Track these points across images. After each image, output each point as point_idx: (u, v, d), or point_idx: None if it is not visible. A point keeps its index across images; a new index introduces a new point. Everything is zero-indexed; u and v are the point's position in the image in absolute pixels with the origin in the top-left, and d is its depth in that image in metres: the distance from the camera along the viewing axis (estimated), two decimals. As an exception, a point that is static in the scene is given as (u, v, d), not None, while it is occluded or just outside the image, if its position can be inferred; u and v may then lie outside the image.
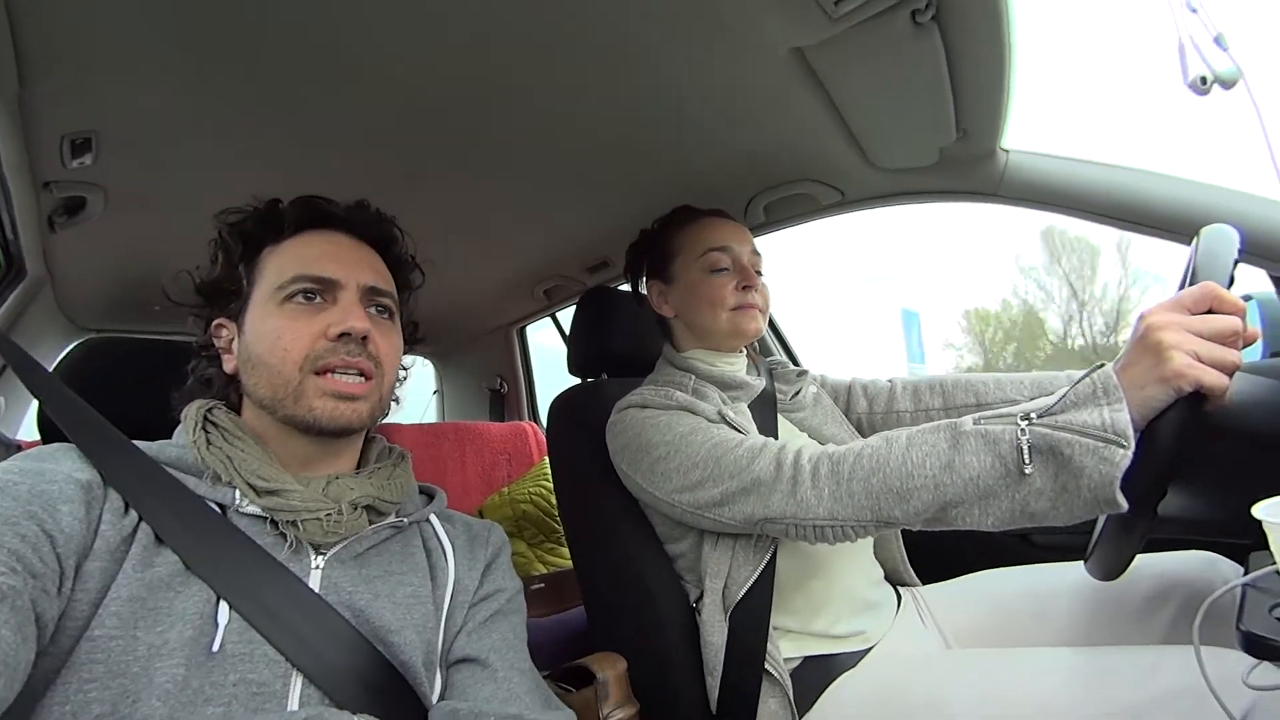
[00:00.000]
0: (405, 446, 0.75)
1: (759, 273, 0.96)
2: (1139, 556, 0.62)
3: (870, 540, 0.96)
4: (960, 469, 0.63)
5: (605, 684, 0.72)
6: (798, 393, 1.02)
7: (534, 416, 2.10)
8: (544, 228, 1.35)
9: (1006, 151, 0.99)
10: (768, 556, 0.81)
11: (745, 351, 1.00)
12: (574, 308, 1.14)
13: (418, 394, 2.28)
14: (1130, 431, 0.55)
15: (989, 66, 0.82)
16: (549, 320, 1.93)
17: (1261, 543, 0.43)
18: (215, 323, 0.67)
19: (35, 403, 0.67)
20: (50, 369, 0.72)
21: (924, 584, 1.00)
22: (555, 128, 0.97)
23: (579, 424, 1.00)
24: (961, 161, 1.01)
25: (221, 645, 0.50)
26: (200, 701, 0.48)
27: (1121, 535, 0.60)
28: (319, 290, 0.63)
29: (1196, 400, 0.54)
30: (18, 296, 1.19)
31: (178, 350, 0.70)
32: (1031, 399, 0.88)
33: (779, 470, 0.73)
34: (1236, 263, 0.58)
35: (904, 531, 1.01)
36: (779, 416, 0.97)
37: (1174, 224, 0.88)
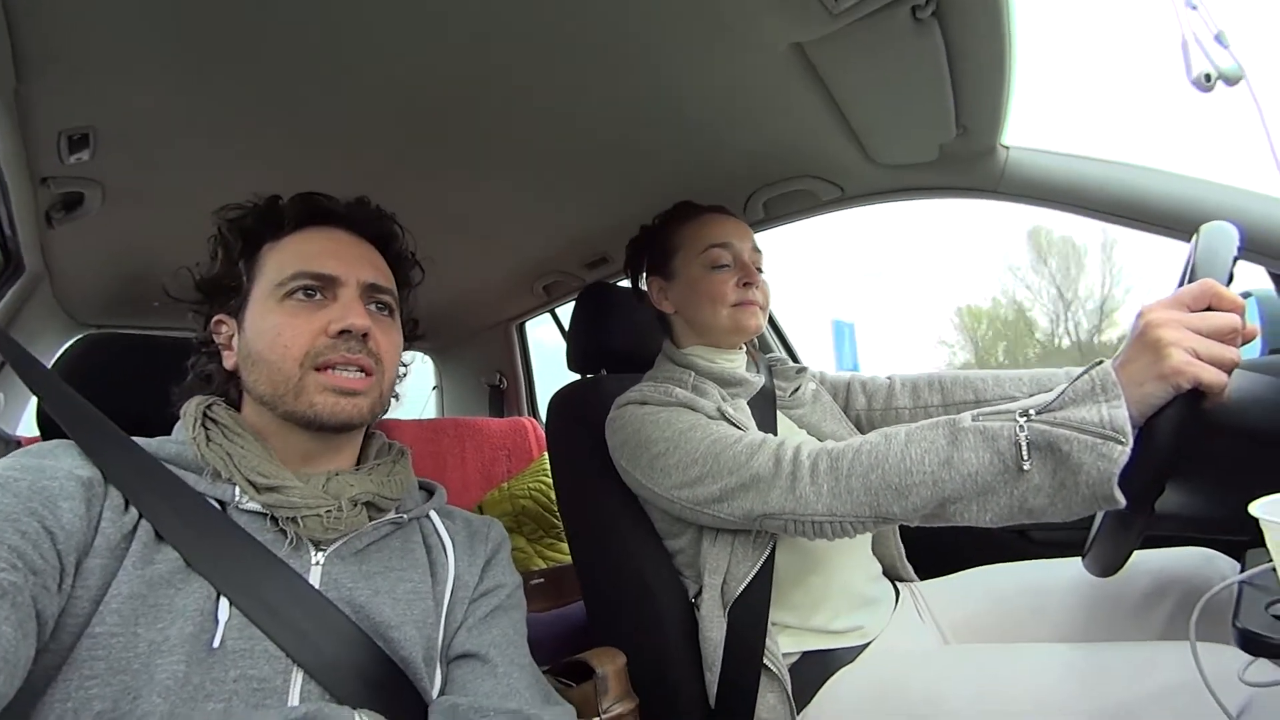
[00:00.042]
0: (405, 442, 0.75)
1: (759, 269, 0.96)
2: (1136, 553, 0.62)
3: (868, 536, 0.97)
4: (959, 465, 0.63)
5: (604, 679, 0.73)
6: (797, 389, 1.02)
7: (533, 412, 2.11)
8: (543, 224, 1.35)
9: (1006, 148, 0.99)
10: (766, 552, 0.81)
11: (745, 348, 1.00)
12: (573, 303, 1.14)
13: (417, 389, 2.28)
14: (1128, 428, 0.55)
15: (989, 63, 0.82)
16: (548, 316, 1.93)
17: (1258, 540, 0.43)
18: (215, 319, 0.67)
19: (35, 398, 0.67)
20: (50, 365, 0.72)
21: (922, 580, 1.00)
22: (555, 123, 0.97)
23: (578, 420, 1.00)
24: (961, 158, 1.01)
25: (222, 641, 0.51)
26: (201, 698, 0.48)
27: (1119, 532, 0.60)
28: (319, 287, 0.63)
29: (1195, 397, 0.54)
30: (16, 292, 1.19)
31: (177, 346, 0.70)
32: (1031, 396, 0.89)
33: (778, 466, 0.73)
34: (1236, 260, 0.58)
35: (902, 527, 1.02)
36: (778, 413, 0.97)
37: (1174, 221, 0.88)
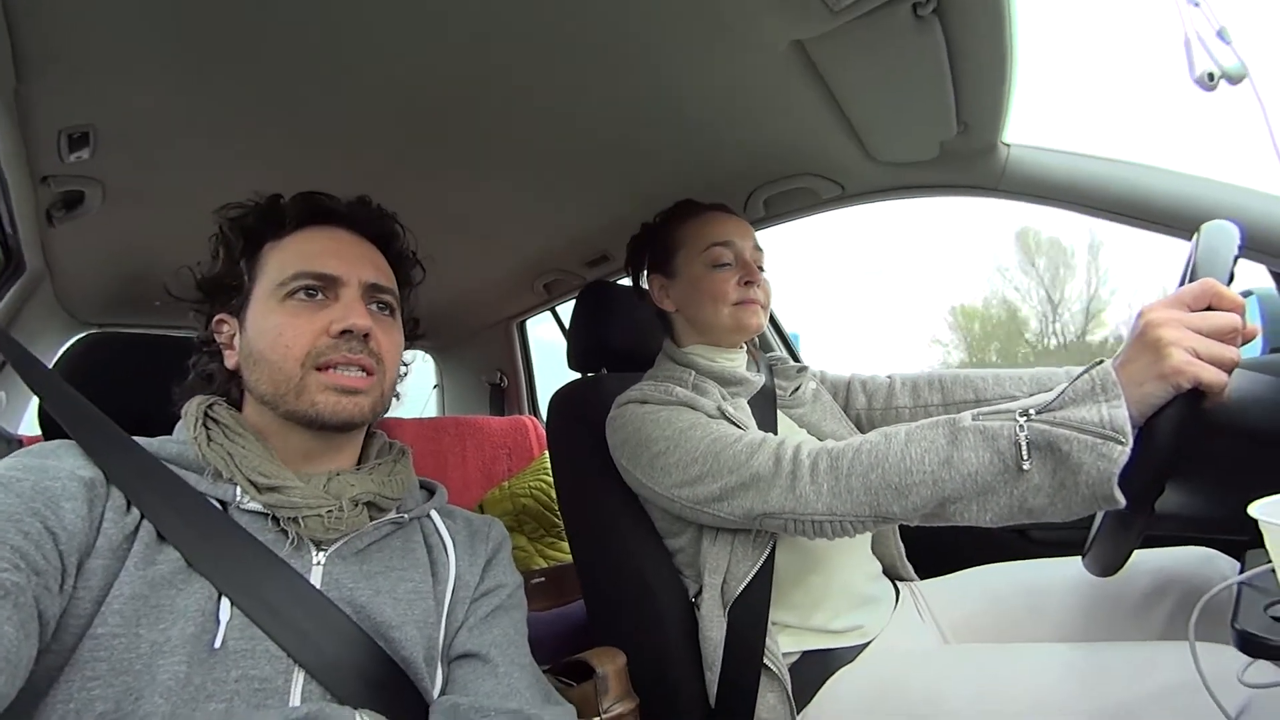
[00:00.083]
0: (406, 441, 0.75)
1: (760, 268, 0.96)
2: (1136, 552, 0.62)
3: (868, 536, 0.97)
4: (959, 465, 0.63)
5: (605, 679, 0.73)
6: (797, 388, 1.02)
7: (534, 411, 2.11)
8: (544, 222, 1.35)
9: (1008, 146, 0.99)
10: (766, 552, 0.81)
11: (745, 347, 1.00)
12: (573, 302, 1.14)
13: (418, 388, 2.28)
14: (1128, 428, 0.55)
15: (990, 60, 0.81)
16: (549, 314, 1.93)
17: (1258, 540, 0.43)
18: (216, 318, 0.67)
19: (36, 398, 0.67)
20: (51, 364, 0.72)
21: (922, 579, 1.00)
22: (555, 122, 0.97)
23: (579, 418, 1.00)
24: (962, 156, 1.01)
25: (223, 642, 0.51)
26: (202, 698, 0.48)
27: (1119, 532, 0.60)
28: (321, 287, 0.63)
29: (1195, 397, 0.54)
30: (17, 291, 1.19)
31: (179, 345, 0.70)
32: (1031, 395, 0.89)
33: (778, 465, 0.73)
34: (1236, 259, 0.58)
35: (902, 527, 1.02)
36: (778, 412, 0.97)
37: (1175, 219, 0.88)
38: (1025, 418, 0.60)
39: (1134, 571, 0.73)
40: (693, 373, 0.93)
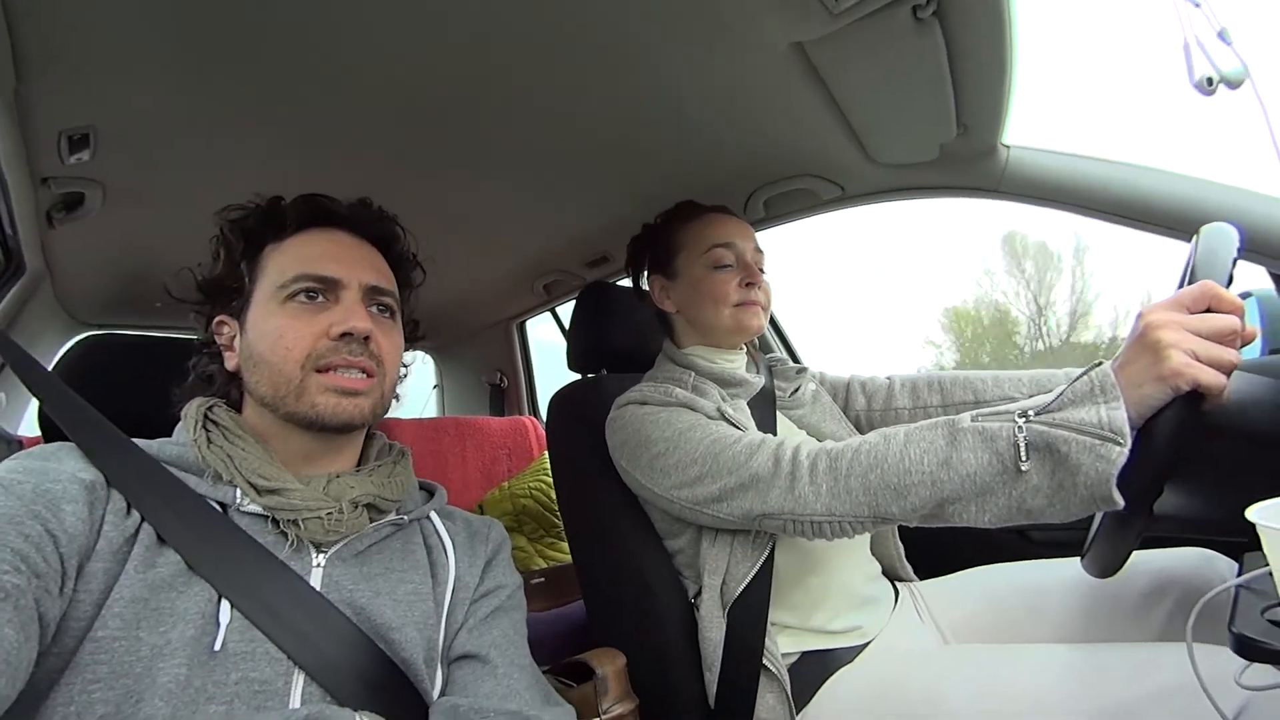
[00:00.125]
0: (406, 441, 0.75)
1: (761, 270, 0.96)
2: (1135, 553, 0.62)
3: (867, 536, 0.97)
4: (957, 466, 0.63)
5: (604, 679, 0.73)
6: (797, 390, 1.02)
7: (534, 411, 2.11)
8: (544, 223, 1.35)
9: (1007, 147, 0.99)
10: (766, 552, 0.81)
11: (745, 349, 1.00)
12: (573, 303, 1.14)
13: (418, 388, 2.28)
14: (1127, 429, 0.55)
15: (990, 62, 0.81)
16: (548, 314, 1.93)
17: (1256, 543, 0.43)
18: (217, 320, 0.67)
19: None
20: (52, 365, 0.72)
21: (921, 579, 1.00)
22: (555, 123, 0.97)
23: (579, 419, 1.00)
24: (962, 157, 1.01)
25: (223, 644, 0.51)
26: (203, 700, 0.49)
27: (1118, 533, 0.60)
28: (321, 289, 0.63)
29: (1194, 399, 0.54)
30: (17, 292, 1.19)
31: (178, 347, 0.70)
32: (1030, 396, 0.89)
33: (777, 466, 0.74)
34: (1235, 261, 0.58)
35: (901, 527, 1.02)
36: (778, 413, 0.97)
37: (1175, 221, 0.88)
38: (1024, 419, 0.60)
39: (1133, 572, 0.73)
40: (692, 374, 0.93)
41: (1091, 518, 0.65)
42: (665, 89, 0.89)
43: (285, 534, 0.58)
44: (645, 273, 1.05)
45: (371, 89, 0.85)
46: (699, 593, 0.85)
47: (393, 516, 0.65)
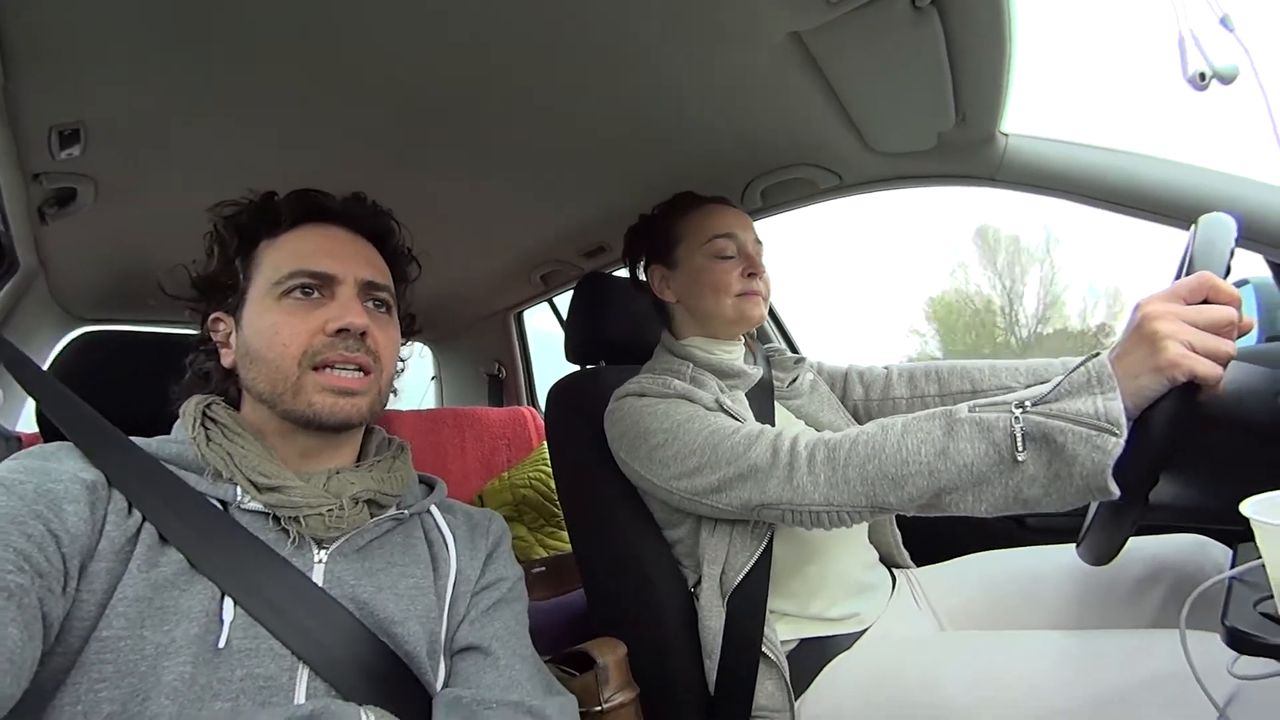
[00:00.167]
0: (405, 433, 0.75)
1: (760, 260, 0.96)
2: (1130, 540, 0.63)
3: (865, 524, 0.98)
4: (955, 456, 0.63)
5: (605, 669, 0.74)
6: (795, 380, 1.02)
7: (532, 401, 2.11)
8: (540, 214, 1.34)
9: (1006, 135, 0.98)
10: (764, 542, 0.82)
11: (743, 340, 1.00)
12: (571, 293, 1.14)
13: (416, 380, 2.28)
14: (1123, 420, 0.56)
15: (989, 50, 0.81)
16: (545, 304, 1.92)
17: (1250, 533, 0.44)
18: (212, 316, 0.67)
19: (33, 396, 0.67)
20: (49, 361, 0.72)
21: (918, 566, 1.01)
22: (551, 114, 0.96)
23: (577, 410, 1.00)
24: (960, 146, 1.00)
25: (227, 641, 0.51)
26: (208, 697, 0.49)
27: (1113, 522, 0.61)
28: (316, 285, 0.63)
29: (1190, 390, 0.55)
30: (10, 289, 1.18)
31: (175, 344, 0.70)
32: (1027, 385, 0.89)
33: (775, 457, 0.74)
34: (1233, 252, 0.58)
35: (898, 515, 1.03)
36: (776, 404, 0.98)
37: (1172, 208, 0.88)
38: (1021, 409, 0.61)
39: (1127, 559, 0.74)
40: (690, 365, 0.93)
41: (1087, 505, 0.66)
42: (662, 79, 0.89)
43: (286, 531, 0.58)
44: (642, 263, 1.04)
45: (364, 81, 0.84)
46: (698, 582, 0.86)
47: (393, 511, 0.65)
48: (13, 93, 0.76)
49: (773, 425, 0.90)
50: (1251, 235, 0.81)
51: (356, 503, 0.61)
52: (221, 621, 0.52)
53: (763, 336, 1.49)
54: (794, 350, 1.19)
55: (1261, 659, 0.43)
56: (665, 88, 0.90)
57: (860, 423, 1.00)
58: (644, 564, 0.89)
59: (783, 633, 0.84)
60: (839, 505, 0.70)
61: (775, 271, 0.99)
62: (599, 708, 0.72)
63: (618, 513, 0.93)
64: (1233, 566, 0.51)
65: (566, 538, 1.62)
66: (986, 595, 0.91)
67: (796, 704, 0.81)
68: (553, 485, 1.65)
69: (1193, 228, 0.61)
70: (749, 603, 0.82)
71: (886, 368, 1.06)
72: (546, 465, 1.74)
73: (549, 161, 1.09)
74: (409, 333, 0.75)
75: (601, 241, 1.45)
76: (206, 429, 0.61)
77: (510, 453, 1.87)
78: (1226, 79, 0.61)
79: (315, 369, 0.61)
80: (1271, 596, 0.43)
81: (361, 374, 0.63)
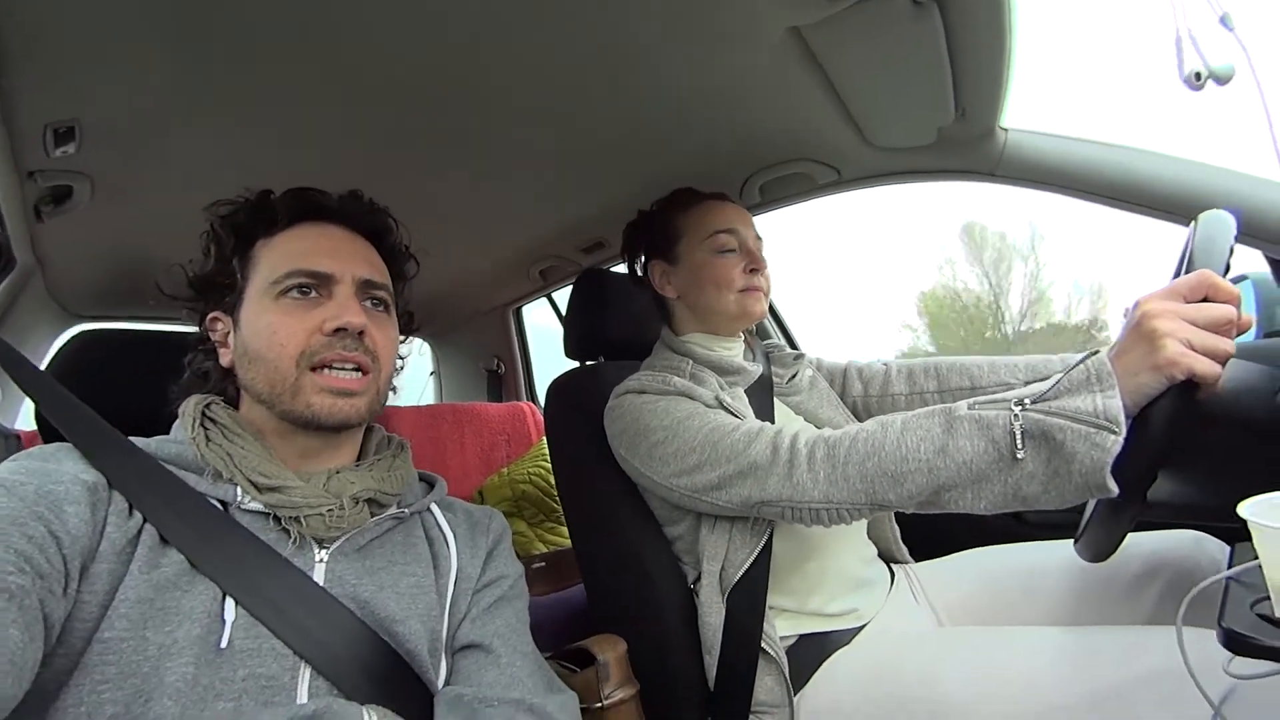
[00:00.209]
0: (404, 429, 0.75)
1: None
2: (1128, 535, 0.63)
3: (864, 520, 0.98)
4: (954, 453, 0.63)
5: (606, 666, 0.74)
6: (794, 376, 1.02)
7: (531, 396, 2.11)
8: (539, 209, 1.34)
9: (1005, 130, 0.98)
10: (764, 539, 0.82)
11: (743, 336, 1.00)
12: (569, 289, 1.14)
13: (415, 375, 2.28)
14: (1122, 418, 0.56)
15: (989, 45, 0.80)
16: (544, 300, 1.92)
17: (1248, 532, 0.44)
18: (211, 316, 0.66)
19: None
20: (47, 358, 0.72)
21: (916, 561, 1.01)
22: (550, 110, 0.96)
23: (577, 407, 1.00)
24: (960, 141, 1.00)
25: (229, 641, 0.51)
26: (211, 698, 0.49)
27: (1111, 519, 0.61)
28: (314, 285, 0.63)
29: (1189, 388, 0.55)
30: (7, 287, 1.18)
31: (174, 342, 0.70)
32: (1026, 382, 0.89)
33: (775, 454, 0.74)
34: (1232, 249, 0.58)
35: (897, 511, 1.03)
36: (775, 400, 0.98)
37: (1172, 204, 0.88)
38: (1020, 407, 0.61)
39: (1125, 555, 0.74)
40: (690, 362, 0.93)
41: (1085, 502, 0.66)
42: (661, 74, 0.88)
43: (287, 531, 0.58)
44: (641, 259, 1.04)
45: (362, 73, 0.83)
46: (698, 578, 0.86)
47: (394, 510, 0.65)
48: (6, 90, 0.75)
49: (772, 422, 0.90)
50: (1251, 231, 0.81)
51: (357, 502, 0.61)
52: (223, 622, 0.52)
53: (761, 333, 1.49)
54: (793, 346, 1.19)
55: (1255, 661, 0.43)
56: (664, 83, 0.90)
57: (859, 419, 1.01)
58: (644, 560, 0.90)
59: (782, 628, 0.84)
60: (838, 502, 0.70)
61: (771, 267, 0.99)
62: (599, 704, 0.72)
63: (618, 510, 0.93)
64: (1230, 566, 0.51)
65: (566, 533, 1.62)
66: (984, 590, 0.91)
67: (795, 699, 0.81)
68: (552, 481, 1.66)
69: (1192, 225, 0.61)
70: (749, 599, 0.82)
71: (885, 364, 1.06)
72: (546, 461, 1.74)
73: (547, 157, 1.09)
74: (408, 330, 0.75)
75: (600, 237, 1.45)
76: (206, 429, 0.60)
77: (510, 448, 1.88)
78: (1222, 79, 0.61)
79: (313, 369, 0.61)
80: (1268, 598, 0.43)
81: (360, 374, 0.63)
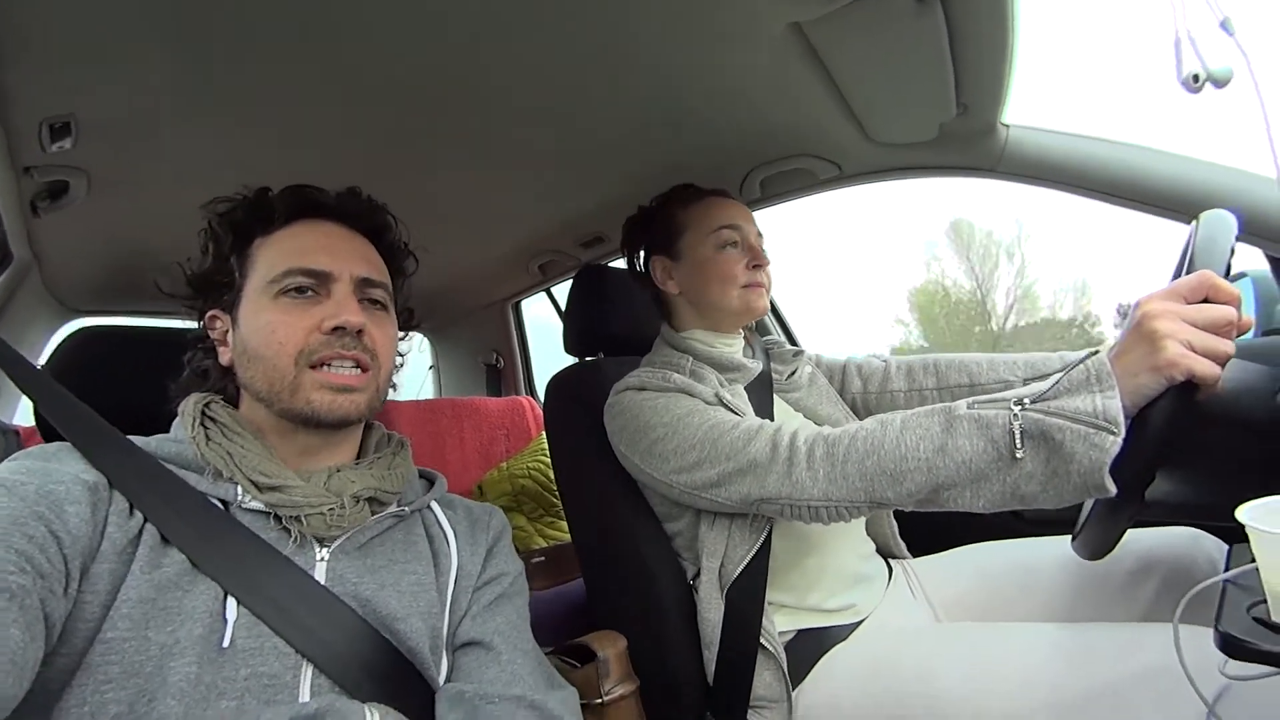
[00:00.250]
0: (403, 424, 0.75)
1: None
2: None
3: (863, 517, 0.98)
4: (953, 452, 0.63)
5: (606, 662, 0.74)
6: (793, 372, 1.02)
7: (530, 391, 2.11)
8: (538, 204, 1.34)
9: (1007, 127, 0.98)
10: (763, 536, 0.82)
11: (743, 333, 1.00)
12: (569, 284, 1.14)
13: (414, 370, 2.28)
14: (1121, 419, 0.56)
15: (991, 41, 0.80)
16: (543, 294, 1.92)
17: (1244, 535, 0.44)
18: (209, 314, 0.66)
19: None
20: (45, 354, 0.72)
21: (914, 557, 1.02)
22: (550, 103, 0.95)
23: (576, 402, 1.00)
24: (961, 137, 1.00)
25: (231, 641, 0.52)
26: (214, 697, 0.50)
27: (1109, 517, 0.61)
28: (311, 283, 0.63)
29: (1188, 389, 0.55)
30: (4, 282, 1.17)
31: (173, 340, 0.70)
32: (1025, 380, 0.89)
33: (775, 452, 0.74)
34: (1233, 250, 0.58)
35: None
36: (775, 397, 0.98)
37: (1173, 202, 0.88)
38: (1020, 406, 0.61)
39: (1122, 552, 0.74)
40: (690, 358, 0.93)
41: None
42: (662, 70, 0.88)
43: (288, 530, 0.58)
44: (641, 254, 1.04)
45: (360, 69, 0.83)
46: (698, 574, 0.86)
47: (394, 508, 0.66)
48: (2, 84, 0.75)
49: (771, 419, 0.90)
50: (1252, 230, 0.81)
51: (357, 501, 0.62)
52: (225, 621, 0.52)
53: (761, 329, 1.49)
54: (793, 343, 1.19)
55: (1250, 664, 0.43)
56: (665, 80, 0.89)
57: (859, 416, 1.01)
58: (643, 556, 0.90)
59: (780, 624, 0.85)
60: (838, 500, 0.71)
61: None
62: (600, 700, 0.73)
63: (617, 505, 0.93)
64: (1227, 567, 0.51)
65: (565, 528, 1.63)
66: (982, 586, 0.92)
67: (794, 694, 0.82)
68: (551, 475, 1.66)
69: (1194, 224, 0.61)
70: (747, 595, 0.83)
71: (885, 361, 1.06)
72: (545, 455, 1.74)
73: (547, 156, 1.08)
74: (407, 327, 0.75)
75: (599, 232, 1.44)
76: (206, 428, 0.60)
77: (509, 443, 1.88)
78: (1220, 82, 0.60)
79: (312, 367, 0.61)
80: (1264, 601, 0.43)
81: (359, 371, 0.63)
